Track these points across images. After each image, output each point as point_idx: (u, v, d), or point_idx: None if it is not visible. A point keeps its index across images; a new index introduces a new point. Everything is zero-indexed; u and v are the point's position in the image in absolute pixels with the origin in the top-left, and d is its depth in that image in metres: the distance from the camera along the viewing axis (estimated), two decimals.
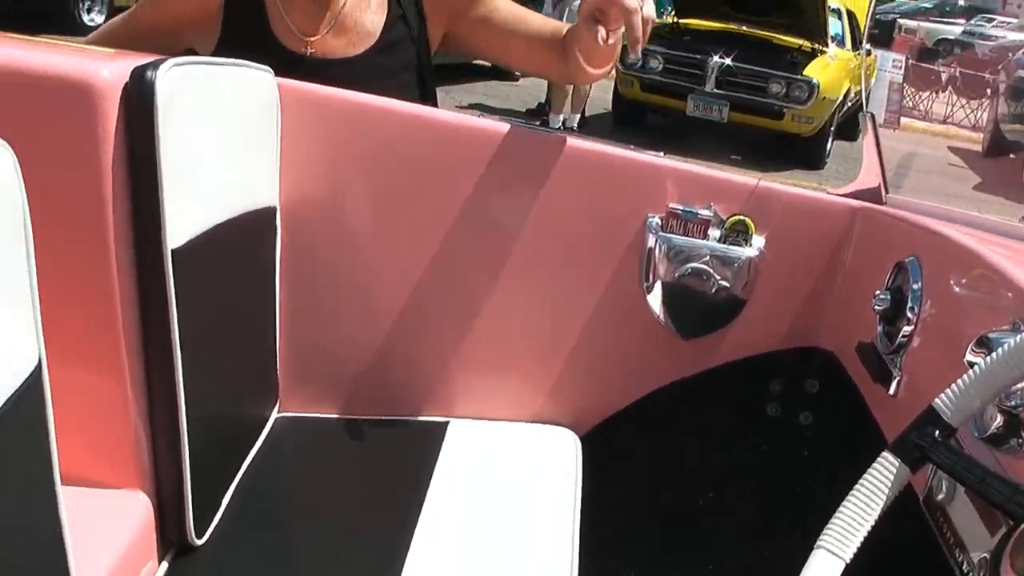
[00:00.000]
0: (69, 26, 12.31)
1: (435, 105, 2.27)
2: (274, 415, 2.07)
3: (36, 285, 1.11)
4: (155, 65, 1.47)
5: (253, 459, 1.93)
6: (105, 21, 9.63)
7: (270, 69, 1.90)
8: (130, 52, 1.69)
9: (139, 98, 1.45)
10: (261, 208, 1.89)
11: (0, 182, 1.04)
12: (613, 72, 12.69)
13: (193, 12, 2.15)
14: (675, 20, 12.53)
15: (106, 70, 1.43)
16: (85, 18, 12.70)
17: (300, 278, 2.05)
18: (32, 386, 1.10)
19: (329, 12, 2.14)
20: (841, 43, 12.63)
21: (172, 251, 1.50)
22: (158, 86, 1.45)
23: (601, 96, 12.66)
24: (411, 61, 2.19)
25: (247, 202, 1.82)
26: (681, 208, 2.04)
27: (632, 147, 2.11)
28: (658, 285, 2.08)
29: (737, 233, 2.05)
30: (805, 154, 11.85)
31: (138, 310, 1.52)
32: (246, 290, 1.90)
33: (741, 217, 2.05)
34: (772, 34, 11.93)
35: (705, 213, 2.05)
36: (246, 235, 1.84)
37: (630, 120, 12.49)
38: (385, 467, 1.99)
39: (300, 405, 2.12)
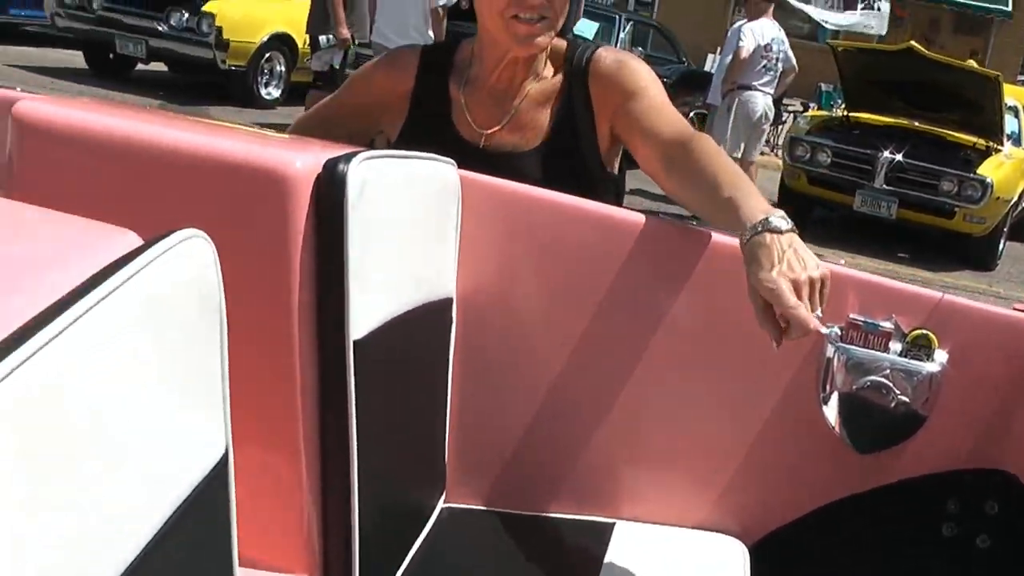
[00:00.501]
0: (247, 100, 12.82)
1: (618, 197, 2.27)
2: (440, 505, 2.07)
3: (227, 375, 1.13)
4: (347, 158, 1.50)
5: (418, 549, 1.93)
6: (281, 96, 10.01)
7: (454, 161, 1.94)
8: (322, 142, 1.74)
9: (330, 189, 1.47)
10: (439, 299, 1.91)
11: (201, 274, 1.06)
12: (780, 163, 12.59)
13: (388, 95, 2.26)
14: (845, 114, 12.37)
15: (299, 161, 1.46)
16: (263, 92, 13.20)
17: (472, 368, 2.06)
18: (218, 475, 1.12)
19: (507, 108, 2.20)
20: (1017, 142, 12.30)
21: (354, 342, 1.52)
22: (350, 178, 1.48)
23: (767, 187, 12.47)
24: (580, 156, 2.21)
25: (427, 292, 1.84)
26: (862, 319, 1.99)
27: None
28: (835, 396, 2.03)
29: (919, 347, 2.00)
30: (976, 255, 11.49)
31: (318, 398, 1.54)
32: (421, 380, 1.91)
33: (924, 331, 1.99)
34: (945, 131, 11.65)
35: (887, 325, 2.00)
36: (424, 326, 1.85)
37: (796, 213, 12.19)
38: (549, 567, 1.97)
39: (466, 497, 2.12)
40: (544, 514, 2.11)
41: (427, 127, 2.21)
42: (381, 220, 1.60)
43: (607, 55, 2.20)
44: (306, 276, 1.47)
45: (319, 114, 2.42)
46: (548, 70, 2.22)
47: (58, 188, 1.48)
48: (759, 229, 1.69)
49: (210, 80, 13.23)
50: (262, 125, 11.19)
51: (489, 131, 2.20)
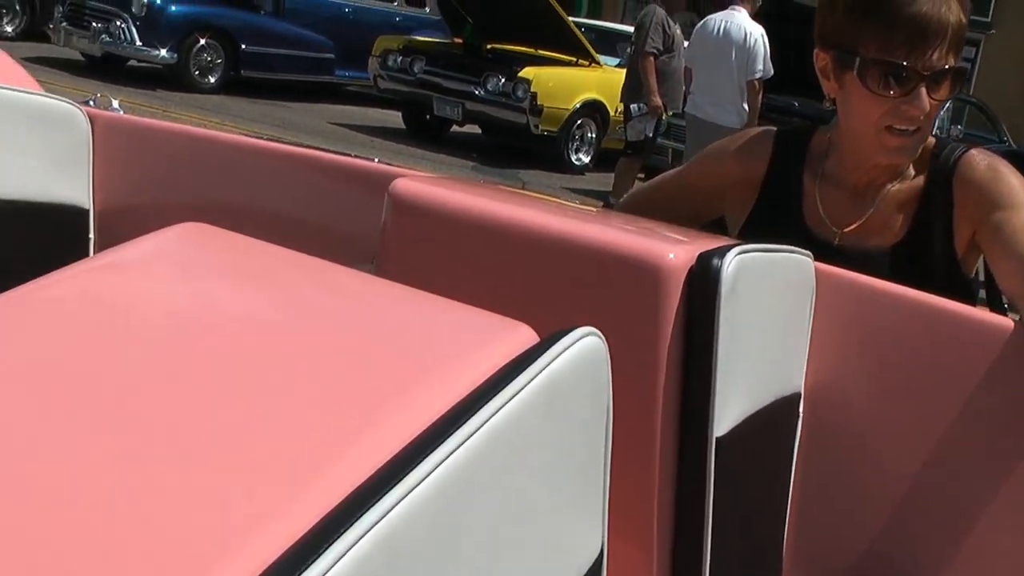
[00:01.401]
0: (557, 165, 13.13)
1: (971, 298, 2.13)
2: None
3: (609, 471, 1.10)
4: (721, 252, 1.46)
5: None
6: (590, 162, 10.21)
7: (810, 254, 1.87)
8: (688, 231, 1.71)
9: (703, 283, 1.43)
10: (790, 394, 1.84)
11: (596, 373, 1.04)
12: None
13: (738, 179, 2.18)
14: None
15: (671, 253, 1.43)
16: (572, 157, 13.47)
17: (813, 466, 1.97)
18: (593, 574, 1.09)
19: (864, 208, 2.09)
20: None
21: (716, 439, 1.47)
22: (723, 272, 1.43)
23: None
24: (934, 258, 2.08)
25: (779, 388, 1.78)
26: None
27: None
28: None
29: None
30: None
31: (674, 494, 1.50)
32: (768, 477, 1.85)
33: None
34: None
35: None
36: (775, 422, 1.79)
37: None
38: None
39: None
40: None
41: (776, 217, 2.13)
42: (746, 314, 1.55)
43: (981, 160, 2.05)
44: (672, 370, 1.44)
45: (660, 190, 2.36)
46: (911, 169, 2.10)
47: (430, 268, 1.50)
48: None
49: (521, 144, 13.57)
50: (571, 191, 11.39)
51: (844, 230, 2.10)
